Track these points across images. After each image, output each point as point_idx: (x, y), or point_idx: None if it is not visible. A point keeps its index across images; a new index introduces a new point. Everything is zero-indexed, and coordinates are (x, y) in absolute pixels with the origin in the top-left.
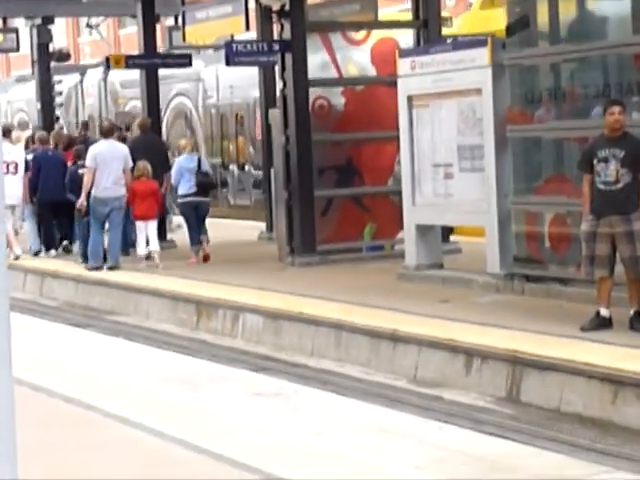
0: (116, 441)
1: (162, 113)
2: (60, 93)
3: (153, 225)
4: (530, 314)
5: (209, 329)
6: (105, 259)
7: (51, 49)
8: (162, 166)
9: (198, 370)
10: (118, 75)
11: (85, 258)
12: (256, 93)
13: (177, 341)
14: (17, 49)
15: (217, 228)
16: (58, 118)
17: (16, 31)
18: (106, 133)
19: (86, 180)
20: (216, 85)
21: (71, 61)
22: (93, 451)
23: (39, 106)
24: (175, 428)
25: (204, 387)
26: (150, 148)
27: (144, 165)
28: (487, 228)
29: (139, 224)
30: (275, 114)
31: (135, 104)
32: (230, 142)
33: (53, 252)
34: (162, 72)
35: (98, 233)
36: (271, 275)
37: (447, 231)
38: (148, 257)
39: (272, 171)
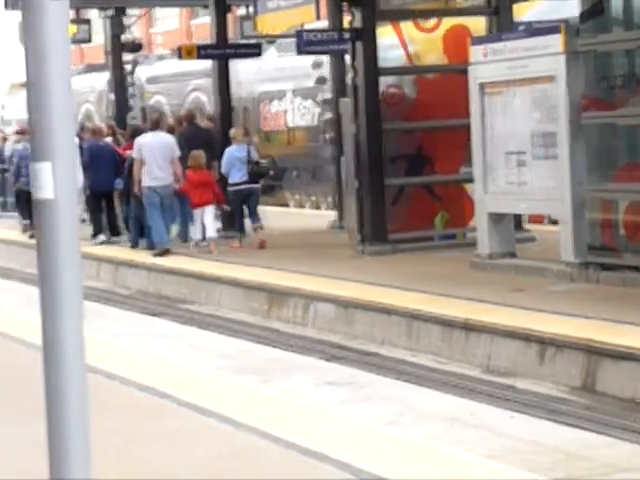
0: (190, 430)
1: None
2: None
3: (209, 212)
4: (605, 303)
5: (281, 318)
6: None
7: (124, 39)
8: (210, 156)
9: (271, 359)
10: (144, 71)
11: (135, 244)
12: (260, 88)
13: (249, 330)
14: (89, 40)
15: (286, 217)
16: (132, 108)
17: (89, 22)
18: (153, 124)
19: (135, 170)
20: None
21: (143, 51)
22: (167, 440)
23: (112, 96)
24: (248, 416)
25: (277, 375)
26: (198, 139)
27: (198, 154)
28: (561, 216)
29: (195, 211)
30: (345, 103)
31: (159, 99)
32: None
33: (101, 237)
34: (181, 69)
35: (158, 220)
36: (342, 264)
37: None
38: (200, 242)
39: (342, 160)
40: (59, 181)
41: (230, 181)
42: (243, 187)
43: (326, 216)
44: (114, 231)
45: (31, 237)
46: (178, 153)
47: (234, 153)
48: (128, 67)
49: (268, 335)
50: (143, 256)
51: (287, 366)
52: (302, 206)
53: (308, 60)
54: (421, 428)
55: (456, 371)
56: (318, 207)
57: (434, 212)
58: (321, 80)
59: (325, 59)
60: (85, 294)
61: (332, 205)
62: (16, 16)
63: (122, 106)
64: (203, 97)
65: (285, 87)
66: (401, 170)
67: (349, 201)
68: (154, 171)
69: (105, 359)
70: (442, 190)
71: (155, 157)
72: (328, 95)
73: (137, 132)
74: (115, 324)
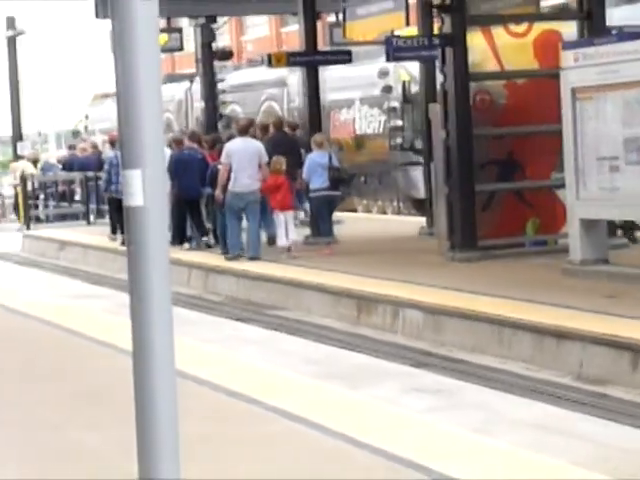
0: (278, 435)
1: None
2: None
3: (290, 216)
4: None
5: (370, 324)
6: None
7: (214, 48)
8: (295, 162)
9: (358, 365)
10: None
11: (225, 249)
12: (329, 96)
13: (338, 336)
14: (181, 48)
15: (376, 223)
16: (222, 116)
17: (180, 31)
18: (241, 130)
19: (221, 175)
20: (298, 90)
21: (233, 59)
22: (254, 445)
23: (203, 104)
24: (335, 422)
25: (365, 382)
26: (283, 145)
27: (276, 159)
28: None
29: (277, 216)
30: (435, 109)
31: (234, 107)
32: None
33: (186, 245)
34: (254, 78)
35: (235, 226)
36: (431, 270)
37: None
38: (289, 249)
39: (432, 166)
40: (149, 188)
41: (311, 187)
42: (324, 193)
43: (413, 222)
44: (202, 231)
45: (122, 244)
46: (266, 159)
47: (316, 159)
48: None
49: (356, 341)
50: (232, 262)
51: (375, 372)
52: (369, 211)
53: (374, 69)
54: (509, 436)
55: (547, 379)
56: (384, 212)
57: (525, 218)
58: (387, 89)
59: (391, 68)
60: (175, 300)
61: (397, 210)
62: (106, 25)
63: (212, 113)
64: (276, 106)
65: (353, 96)
66: (491, 176)
67: (439, 207)
68: (242, 177)
69: (194, 364)
70: (533, 196)
71: (243, 163)
72: (394, 103)
73: (217, 141)
74: (204, 329)
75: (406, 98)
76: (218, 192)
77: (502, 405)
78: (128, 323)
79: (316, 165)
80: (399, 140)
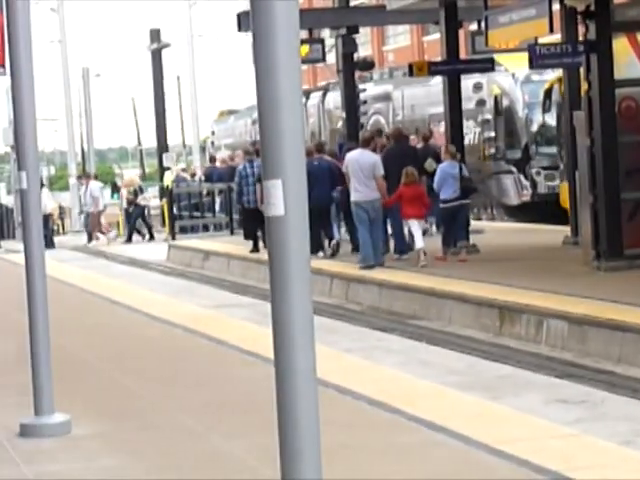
0: (420, 445)
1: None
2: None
3: (418, 224)
4: None
5: (513, 334)
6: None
7: (355, 58)
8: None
9: (501, 375)
10: (333, 97)
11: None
12: (431, 110)
13: (481, 346)
14: (323, 59)
15: (521, 233)
16: (362, 126)
17: (322, 42)
18: (363, 143)
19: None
20: (402, 104)
21: (375, 69)
22: (396, 454)
23: (344, 114)
24: (478, 432)
25: (508, 392)
26: (402, 156)
27: (412, 171)
28: None
29: (412, 222)
30: (580, 116)
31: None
32: None
33: (321, 254)
34: (364, 94)
35: (364, 235)
36: (576, 280)
37: None
38: (402, 253)
39: (577, 174)
40: (290, 198)
41: (442, 197)
42: (455, 203)
43: (557, 232)
44: (330, 240)
45: (251, 252)
46: (381, 171)
47: (447, 169)
48: (318, 94)
49: (500, 352)
50: (374, 272)
51: (518, 383)
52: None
53: (469, 84)
54: None
55: None
56: (479, 219)
57: None
58: (481, 102)
59: (484, 83)
60: (317, 309)
61: (491, 216)
62: (247, 38)
63: (353, 123)
64: (382, 120)
65: None
66: (638, 184)
67: (584, 216)
68: (358, 186)
69: (336, 373)
70: None
71: (358, 173)
72: (487, 115)
73: (320, 147)
74: (345, 339)
75: (498, 111)
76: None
77: None
78: (270, 332)
79: (447, 175)
80: (492, 150)
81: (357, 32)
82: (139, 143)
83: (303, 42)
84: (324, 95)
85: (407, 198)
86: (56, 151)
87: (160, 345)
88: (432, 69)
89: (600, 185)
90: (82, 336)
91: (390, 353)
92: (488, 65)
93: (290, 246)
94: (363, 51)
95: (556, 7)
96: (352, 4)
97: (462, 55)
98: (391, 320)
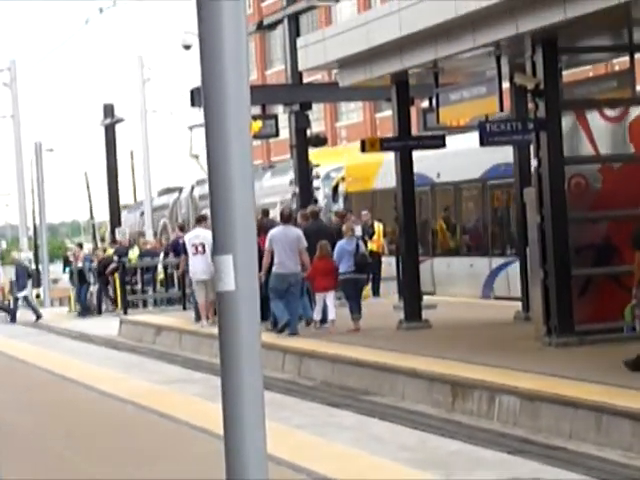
0: None
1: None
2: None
3: (330, 296)
4: None
5: (465, 410)
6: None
7: (309, 134)
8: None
9: (454, 452)
10: (198, 190)
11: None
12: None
13: (433, 422)
14: (277, 134)
15: (471, 308)
16: (316, 201)
17: (275, 117)
18: (285, 219)
19: (264, 259)
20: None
21: (327, 145)
22: None
23: (297, 189)
24: None
25: (460, 469)
26: (319, 233)
27: (325, 244)
28: None
29: (318, 295)
30: (530, 193)
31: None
32: None
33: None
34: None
35: (279, 304)
36: (528, 355)
37: None
38: (322, 322)
39: (527, 250)
40: (240, 273)
41: (340, 270)
42: (350, 276)
43: (507, 307)
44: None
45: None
46: (305, 244)
47: (344, 246)
48: (188, 189)
49: (451, 427)
50: (325, 346)
51: (470, 459)
52: None
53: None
54: None
55: None
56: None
57: (623, 303)
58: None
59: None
60: (269, 384)
61: None
62: (200, 113)
63: (306, 198)
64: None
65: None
66: (588, 260)
67: (535, 291)
68: (284, 260)
69: (288, 450)
70: (631, 281)
71: (283, 248)
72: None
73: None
74: (297, 415)
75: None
76: (263, 274)
77: None
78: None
79: (344, 251)
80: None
81: (310, 108)
82: (92, 217)
83: (256, 118)
84: (192, 189)
85: (320, 272)
86: (7, 225)
87: (110, 422)
88: (384, 145)
89: (550, 261)
90: (31, 414)
91: (342, 429)
92: (439, 142)
93: (241, 321)
94: (316, 127)
95: (506, 85)
96: (305, 81)
97: (414, 131)
98: (344, 395)
